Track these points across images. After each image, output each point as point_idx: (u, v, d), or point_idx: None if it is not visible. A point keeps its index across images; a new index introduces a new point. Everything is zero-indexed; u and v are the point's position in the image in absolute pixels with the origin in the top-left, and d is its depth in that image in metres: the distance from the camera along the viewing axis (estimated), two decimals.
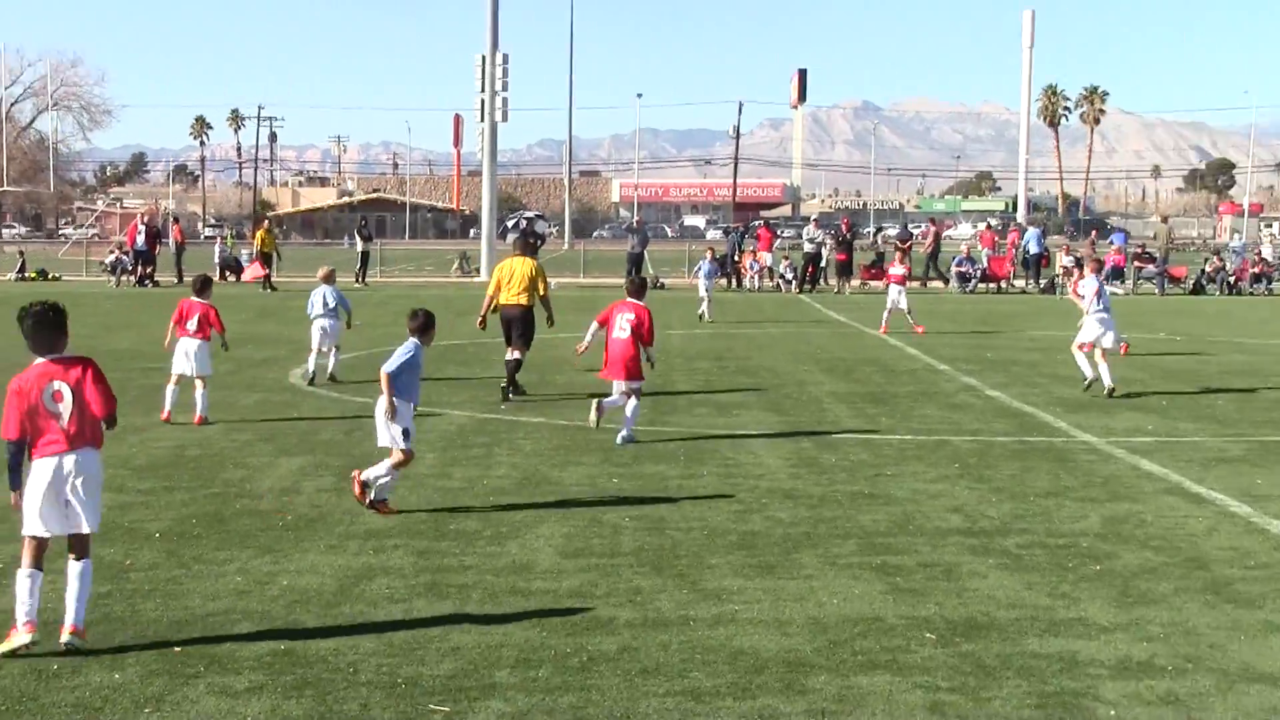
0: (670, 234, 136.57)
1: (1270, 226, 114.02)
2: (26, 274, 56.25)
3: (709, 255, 38.30)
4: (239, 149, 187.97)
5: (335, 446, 15.53)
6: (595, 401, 16.13)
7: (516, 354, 19.68)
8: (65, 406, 8.22)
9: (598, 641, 8.48)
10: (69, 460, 8.20)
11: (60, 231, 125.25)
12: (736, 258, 50.81)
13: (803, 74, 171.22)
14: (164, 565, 10.26)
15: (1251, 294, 49.25)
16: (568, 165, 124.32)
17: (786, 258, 51.71)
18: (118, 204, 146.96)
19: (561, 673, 7.91)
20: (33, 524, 8.21)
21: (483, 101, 57.99)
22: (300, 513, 12.10)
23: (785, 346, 27.64)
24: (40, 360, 8.38)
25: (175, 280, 51.64)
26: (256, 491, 13.00)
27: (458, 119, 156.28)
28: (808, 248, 49.81)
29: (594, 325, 16.81)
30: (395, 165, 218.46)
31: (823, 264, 49.60)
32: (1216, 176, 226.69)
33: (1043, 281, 50.16)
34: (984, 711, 7.35)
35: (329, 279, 21.87)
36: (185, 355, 17.51)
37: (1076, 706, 7.43)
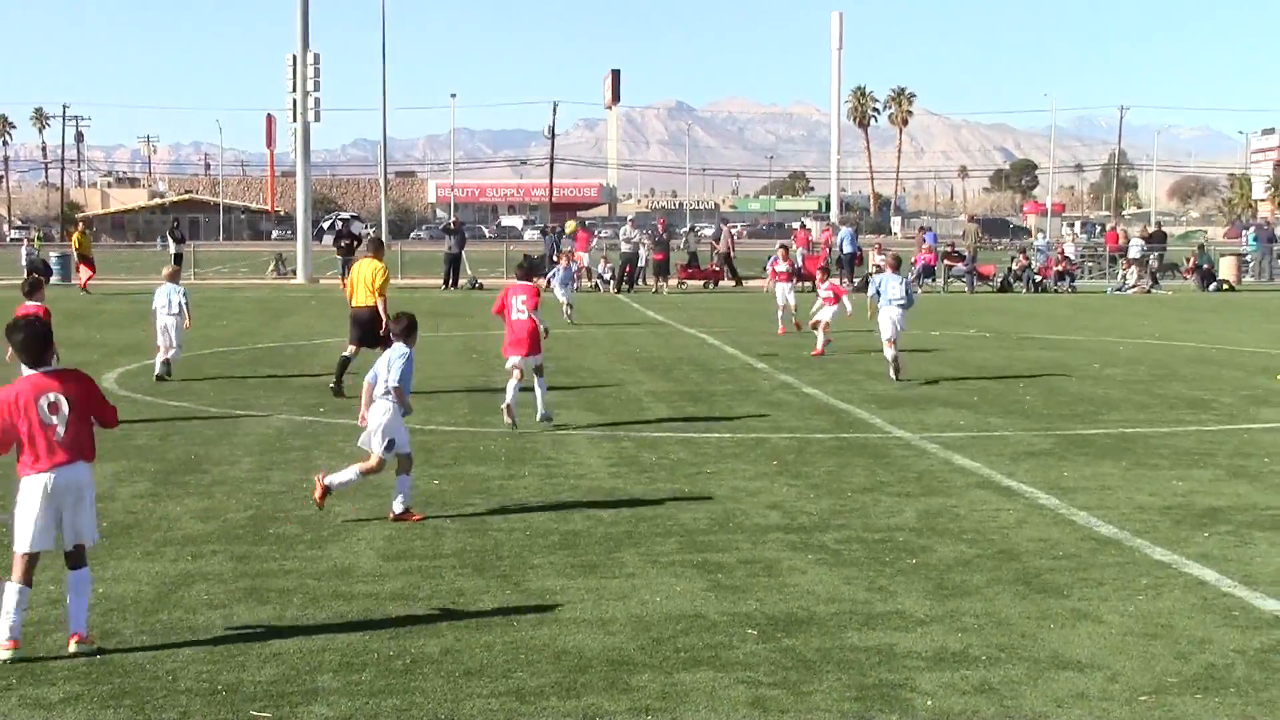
0: (488, 234, 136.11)
1: (1072, 225, 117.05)
2: None
3: (563, 262, 38.38)
4: (44, 149, 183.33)
5: (150, 452, 15.25)
6: (505, 407, 16.79)
7: (348, 351, 20.09)
8: (60, 419, 8.14)
9: (421, 644, 8.45)
10: (64, 474, 8.16)
11: None
12: (555, 258, 50.79)
13: (616, 74, 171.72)
14: None
15: (1056, 291, 50.53)
16: (383, 166, 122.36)
17: (605, 258, 51.89)
18: None
19: (385, 675, 7.88)
20: (20, 541, 8.17)
21: (295, 101, 57.32)
22: (115, 519, 11.86)
23: (604, 346, 27.74)
24: (29, 373, 8.30)
25: None
26: None
27: (270, 119, 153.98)
28: (625, 248, 50.01)
29: (500, 318, 17.45)
30: (207, 166, 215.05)
31: (640, 264, 49.81)
32: (1020, 177, 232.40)
33: (856, 280, 50.91)
34: (805, 705, 7.48)
35: (173, 278, 22.16)
36: None
37: (895, 698, 7.59)
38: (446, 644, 8.45)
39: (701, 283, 51.89)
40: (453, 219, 64.04)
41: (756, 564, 10.49)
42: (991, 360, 25.48)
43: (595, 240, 62.29)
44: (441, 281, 49.24)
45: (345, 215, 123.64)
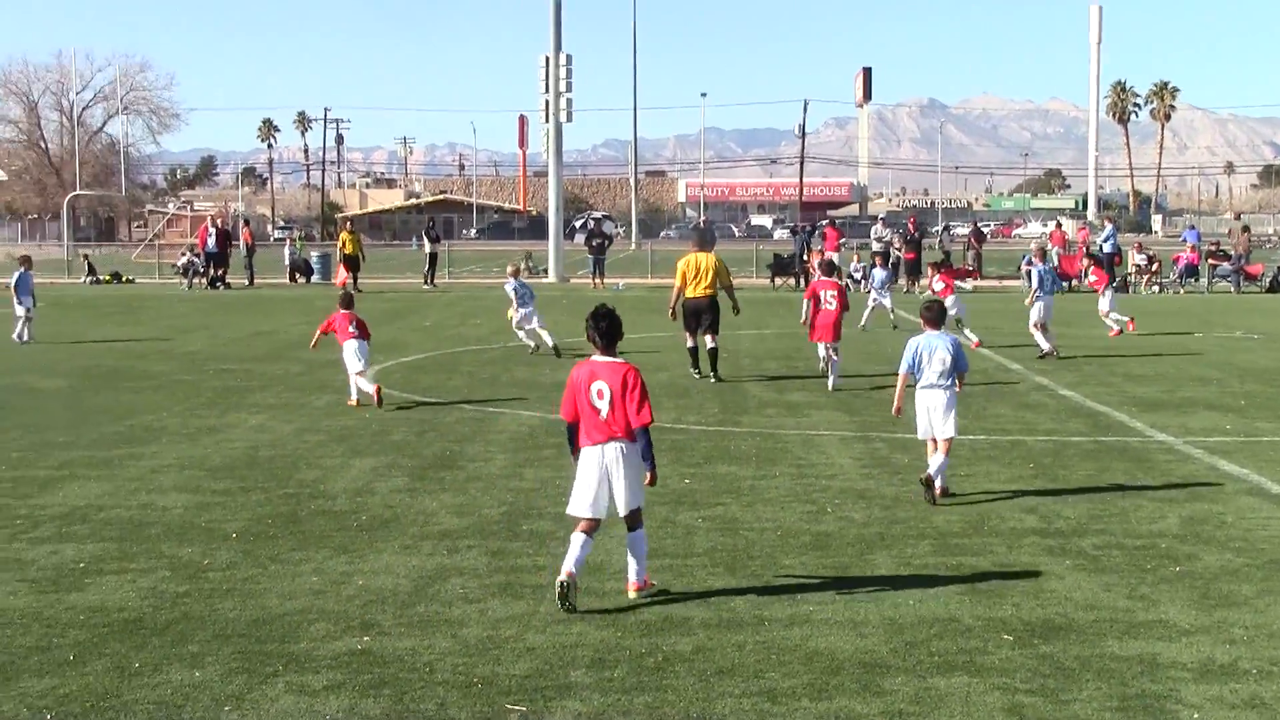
0: (737, 234, 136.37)
1: None
2: (100, 278, 56.88)
3: (877, 262, 37.64)
4: (306, 151, 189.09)
5: (407, 447, 15.59)
6: (832, 383, 20.52)
7: (713, 343, 21.82)
8: (604, 403, 9.28)
9: (673, 642, 8.46)
10: (610, 450, 9.27)
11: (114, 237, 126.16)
12: (805, 257, 50.57)
13: (868, 72, 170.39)
14: (241, 565, 10.34)
15: None
16: (633, 165, 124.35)
17: (856, 257, 51.46)
18: (188, 207, 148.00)
19: (637, 673, 7.89)
20: (573, 505, 9.44)
21: (547, 102, 58.14)
22: (374, 514, 12.14)
23: (855, 346, 27.45)
24: (595, 358, 9.50)
25: (246, 283, 51.93)
26: (330, 492, 13.07)
27: (523, 120, 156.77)
28: (875, 247, 49.59)
29: (806, 302, 21.64)
30: (461, 166, 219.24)
31: (890, 263, 49.28)
32: None
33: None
34: (1064, 714, 7.27)
35: (517, 274, 25.97)
36: (355, 353, 19.10)
37: (1158, 709, 7.34)
38: (698, 642, 8.44)
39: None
40: (702, 218, 64.29)
41: (1012, 568, 10.26)
42: (1260, 363, 24.58)
43: (844, 239, 61.80)
44: None
45: (597, 214, 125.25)
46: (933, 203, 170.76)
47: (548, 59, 57.79)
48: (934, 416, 12.76)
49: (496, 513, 12.19)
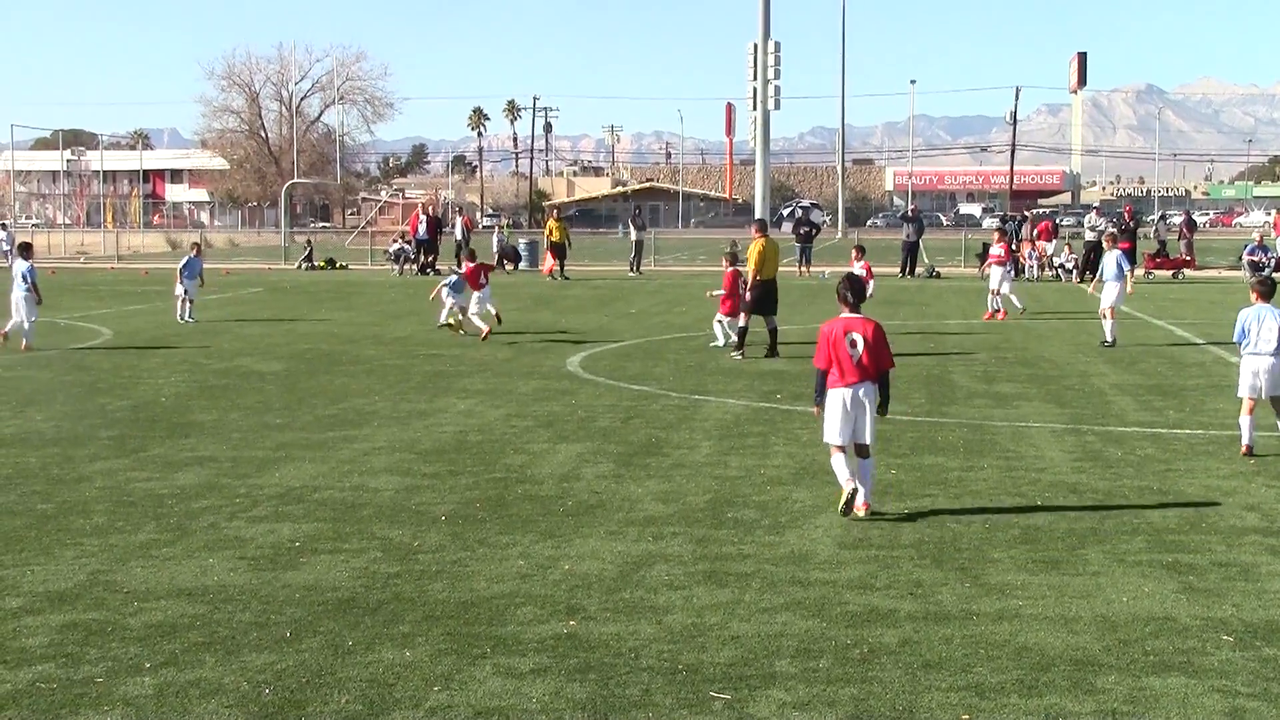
0: (945, 222, 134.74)
1: None
2: (315, 263, 58.28)
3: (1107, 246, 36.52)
4: (515, 139, 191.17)
5: (613, 434, 15.68)
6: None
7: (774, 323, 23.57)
8: (857, 351, 11.42)
9: (879, 633, 8.38)
10: (858, 391, 11.41)
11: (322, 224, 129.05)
12: (1015, 246, 49.74)
13: (1082, 57, 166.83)
14: (450, 547, 10.49)
15: None
16: (841, 153, 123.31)
17: (1069, 247, 50.49)
18: (399, 195, 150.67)
19: (842, 664, 7.83)
20: (829, 435, 11.61)
21: (755, 90, 58.03)
22: (580, 499, 12.23)
23: (1066, 337, 26.98)
24: (845, 315, 11.63)
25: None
26: (537, 477, 13.20)
27: (730, 107, 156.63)
28: (1089, 236, 48.62)
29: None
30: (668, 154, 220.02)
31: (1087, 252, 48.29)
32: None
33: None
34: None
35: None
36: (478, 299, 26.52)
37: None
38: (904, 635, 8.35)
39: (1169, 273, 49.89)
40: (910, 207, 63.64)
41: (1232, 567, 9.96)
42: None
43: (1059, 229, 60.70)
44: (899, 269, 48.96)
45: (804, 203, 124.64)
46: (1148, 191, 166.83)
47: (756, 46, 57.68)
48: (1261, 380, 14.20)
49: (701, 500, 12.21)
